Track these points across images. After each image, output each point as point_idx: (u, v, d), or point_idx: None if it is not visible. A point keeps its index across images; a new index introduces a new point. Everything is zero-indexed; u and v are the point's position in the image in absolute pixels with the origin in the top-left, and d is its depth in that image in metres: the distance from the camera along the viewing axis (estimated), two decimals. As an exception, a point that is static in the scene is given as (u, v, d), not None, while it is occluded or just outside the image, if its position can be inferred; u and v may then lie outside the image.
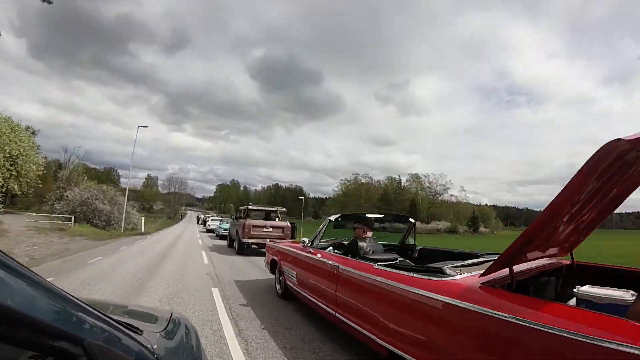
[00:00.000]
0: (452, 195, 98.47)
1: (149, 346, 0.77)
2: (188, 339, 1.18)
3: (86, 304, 0.64)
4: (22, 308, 0.46)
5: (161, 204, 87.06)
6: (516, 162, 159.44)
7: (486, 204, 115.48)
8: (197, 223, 48.79)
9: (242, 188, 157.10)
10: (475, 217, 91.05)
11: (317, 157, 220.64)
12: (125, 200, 20.57)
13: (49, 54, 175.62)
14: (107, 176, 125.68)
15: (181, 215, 65.08)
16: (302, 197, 56.58)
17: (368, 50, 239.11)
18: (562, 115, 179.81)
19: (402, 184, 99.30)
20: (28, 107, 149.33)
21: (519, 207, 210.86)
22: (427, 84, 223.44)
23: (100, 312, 0.66)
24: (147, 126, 21.62)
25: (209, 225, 26.03)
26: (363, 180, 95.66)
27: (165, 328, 1.09)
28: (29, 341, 0.49)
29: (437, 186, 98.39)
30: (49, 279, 0.59)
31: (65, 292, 0.60)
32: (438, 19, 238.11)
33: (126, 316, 1.17)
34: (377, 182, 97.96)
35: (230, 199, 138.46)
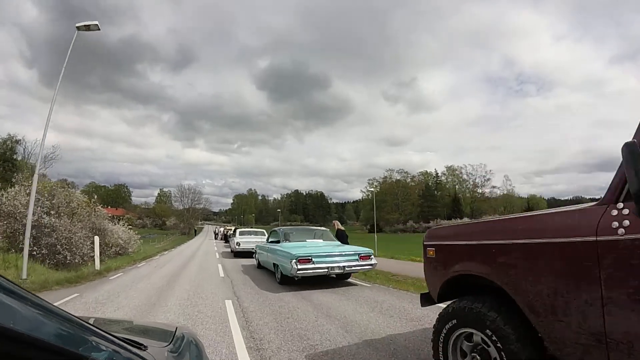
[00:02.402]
0: (494, 187, 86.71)
1: None
2: (193, 353, 1.14)
3: (89, 323, 0.64)
4: (25, 330, 0.47)
5: (175, 219, 77.90)
6: (531, 151, 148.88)
7: (534, 196, 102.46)
8: (216, 238, 38.69)
9: (260, 198, 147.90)
10: (530, 208, 79.01)
11: (331, 162, 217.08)
12: (32, 200, 9.46)
13: (60, 81, 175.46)
14: (117, 194, 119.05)
15: (195, 231, 55.15)
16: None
17: (372, 49, 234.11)
18: (575, 100, 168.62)
19: (439, 179, 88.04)
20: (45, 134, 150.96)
21: (545, 198, 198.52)
22: (434, 79, 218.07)
23: (102, 330, 0.67)
24: (97, 27, 10.18)
25: (238, 245, 14.36)
26: (398, 177, 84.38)
27: (170, 343, 1.07)
28: None
29: (476, 178, 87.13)
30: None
31: (67, 312, 0.61)
32: (440, 9, 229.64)
33: (131, 332, 1.15)
34: (412, 177, 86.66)
35: (249, 209, 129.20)
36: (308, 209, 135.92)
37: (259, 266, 9.93)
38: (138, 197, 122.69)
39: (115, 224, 20.36)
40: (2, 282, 0.51)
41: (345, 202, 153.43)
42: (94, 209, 17.51)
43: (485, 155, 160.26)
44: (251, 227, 26.33)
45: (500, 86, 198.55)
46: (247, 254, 13.62)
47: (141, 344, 0.81)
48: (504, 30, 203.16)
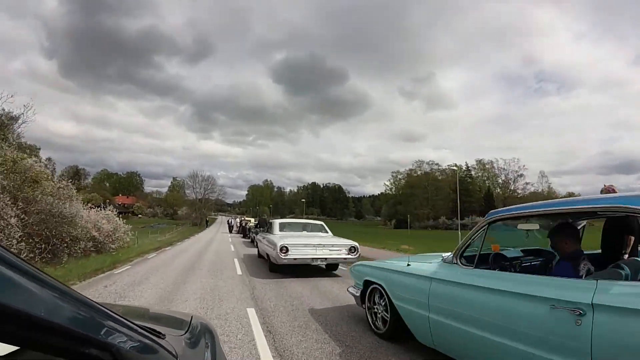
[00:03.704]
0: (527, 183, 79.11)
1: (172, 351, 0.77)
2: (209, 342, 1.15)
3: (112, 311, 0.64)
4: (49, 316, 0.47)
5: (187, 209, 73.18)
6: (548, 151, 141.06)
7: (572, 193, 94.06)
8: (230, 231, 32.21)
9: (275, 189, 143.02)
10: (574, 208, 71.14)
11: (345, 157, 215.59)
12: None
13: (79, 72, 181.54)
14: (129, 182, 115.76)
15: (207, 222, 49.40)
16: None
17: (390, 44, 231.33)
18: (595, 100, 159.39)
19: (470, 173, 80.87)
20: (64, 125, 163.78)
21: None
22: (452, 75, 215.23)
23: (125, 319, 0.67)
24: None
25: (284, 253, 7.02)
26: (428, 169, 77.54)
27: (187, 332, 1.08)
28: (57, 348, 0.49)
29: (508, 173, 79.85)
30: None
31: (91, 299, 0.60)
32: (459, 5, 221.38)
33: (148, 320, 1.16)
34: (442, 170, 79.75)
35: (264, 201, 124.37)
36: (325, 202, 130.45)
37: (392, 331, 3.47)
38: (154, 188, 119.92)
39: (98, 209, 14.94)
40: (24, 266, 0.48)
41: (361, 197, 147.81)
42: (57, 185, 12.00)
43: (502, 155, 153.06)
44: (292, 218, 14.42)
45: (518, 85, 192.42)
46: (299, 268, 7.66)
47: (160, 332, 0.80)
48: (524, 27, 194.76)
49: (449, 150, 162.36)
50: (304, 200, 77.05)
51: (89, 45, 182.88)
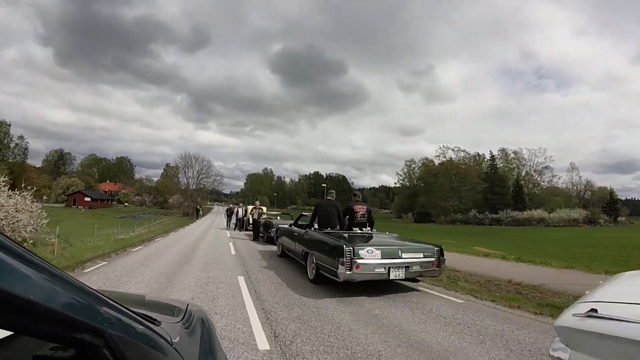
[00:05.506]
0: (555, 176, 70.86)
1: (167, 337, 0.78)
2: (204, 330, 1.16)
3: (106, 296, 0.65)
4: (43, 301, 0.47)
5: (179, 196, 64.18)
6: (547, 148, 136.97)
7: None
8: (233, 227, 21.66)
9: (275, 178, 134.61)
10: (614, 201, 63.61)
11: (342, 149, 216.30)
12: None
13: (75, 60, 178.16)
14: (118, 167, 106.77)
15: (198, 210, 39.75)
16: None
17: (389, 36, 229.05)
18: (594, 98, 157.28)
19: (495, 162, 72.59)
20: (60, 113, 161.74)
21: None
22: (450, 69, 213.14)
23: (119, 304, 0.67)
24: None
25: None
26: (453, 156, 69.09)
27: (182, 319, 1.09)
28: (50, 333, 0.50)
29: (532, 164, 71.84)
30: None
31: (85, 284, 0.60)
32: None
33: (144, 307, 1.17)
34: (467, 159, 71.42)
35: (264, 190, 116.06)
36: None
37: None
38: (149, 176, 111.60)
39: None
40: (18, 250, 0.48)
41: (362, 189, 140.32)
42: None
43: (500, 148, 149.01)
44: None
45: (518, 80, 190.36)
46: None
47: (155, 319, 0.80)
48: (524, 21, 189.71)
49: (447, 145, 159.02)
50: (325, 185, 67.92)
51: (84, 33, 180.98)
